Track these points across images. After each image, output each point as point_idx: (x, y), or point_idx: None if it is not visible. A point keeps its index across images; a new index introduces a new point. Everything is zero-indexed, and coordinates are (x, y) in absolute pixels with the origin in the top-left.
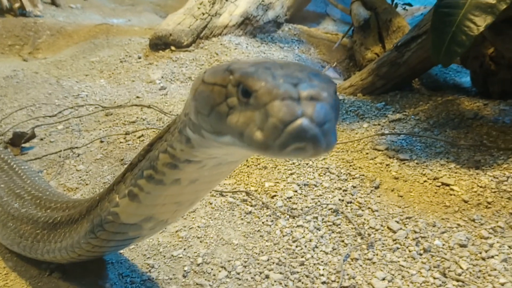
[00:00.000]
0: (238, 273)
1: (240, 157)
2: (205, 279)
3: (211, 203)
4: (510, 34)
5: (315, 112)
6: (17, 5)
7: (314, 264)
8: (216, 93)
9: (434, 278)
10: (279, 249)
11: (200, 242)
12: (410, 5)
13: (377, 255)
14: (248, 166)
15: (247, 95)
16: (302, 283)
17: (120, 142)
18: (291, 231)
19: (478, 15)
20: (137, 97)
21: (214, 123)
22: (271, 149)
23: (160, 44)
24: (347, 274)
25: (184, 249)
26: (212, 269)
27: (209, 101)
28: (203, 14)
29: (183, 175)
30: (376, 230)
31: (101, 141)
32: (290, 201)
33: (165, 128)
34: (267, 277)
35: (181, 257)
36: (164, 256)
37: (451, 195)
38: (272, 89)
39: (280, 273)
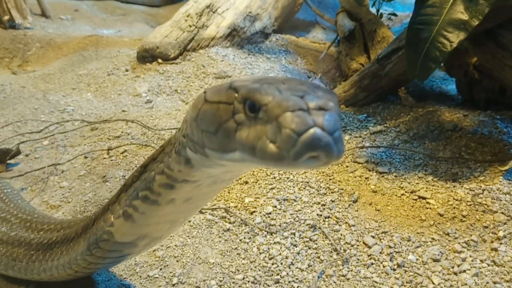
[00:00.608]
0: None
1: (235, 174)
2: None
3: (189, 221)
4: (489, 45)
5: (325, 121)
6: (6, 17)
7: (289, 281)
8: (222, 110)
9: None
10: (255, 267)
11: (177, 261)
12: (395, 14)
13: (351, 271)
14: None
15: (255, 110)
16: None
17: (104, 158)
18: (268, 248)
19: (451, 31)
20: (123, 111)
21: (222, 140)
22: (285, 160)
23: (147, 56)
24: None
25: (160, 269)
26: None
27: (215, 119)
28: (190, 26)
29: (178, 195)
30: (352, 245)
31: (85, 157)
32: (269, 217)
33: (159, 149)
34: None
35: (157, 277)
36: (140, 277)
37: (427, 208)
38: (281, 101)
39: None
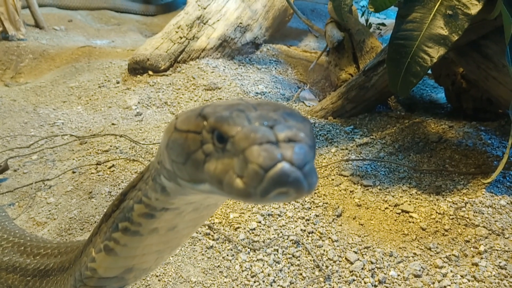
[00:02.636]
0: None
1: (220, 200)
2: None
3: None
4: (473, 56)
5: (294, 154)
6: None
7: None
8: (191, 140)
9: None
10: (237, 286)
11: (158, 280)
12: (383, 25)
13: None
14: None
15: (223, 141)
16: None
17: (91, 173)
18: (251, 266)
19: (431, 46)
20: (113, 124)
21: (191, 171)
22: (253, 196)
23: (138, 68)
24: None
25: None
26: None
27: (184, 149)
28: (181, 38)
29: (160, 224)
30: (334, 261)
31: (73, 172)
32: (252, 233)
33: (138, 176)
34: None
35: None
36: None
37: (410, 222)
38: (249, 133)
39: None
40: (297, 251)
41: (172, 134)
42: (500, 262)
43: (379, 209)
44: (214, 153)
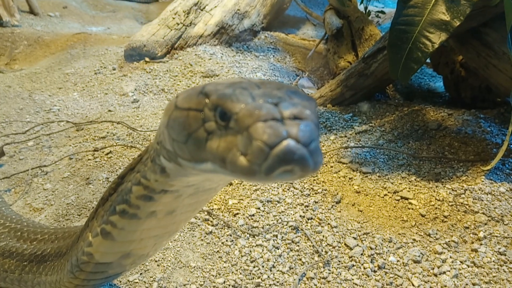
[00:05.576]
0: None
1: (220, 183)
2: None
3: None
4: (473, 44)
5: (300, 131)
6: None
7: (270, 285)
8: (192, 118)
9: None
10: (236, 270)
11: (158, 265)
12: (383, 12)
13: (332, 273)
14: None
15: (226, 119)
16: None
17: (88, 159)
18: (250, 251)
19: (433, 32)
20: (109, 110)
21: (193, 150)
22: (257, 174)
23: (135, 55)
24: None
25: (141, 273)
26: None
27: (185, 127)
28: (178, 24)
29: (158, 207)
30: (333, 247)
31: (70, 158)
32: (252, 219)
33: (136, 158)
34: None
35: (136, 282)
36: (120, 281)
37: (409, 209)
38: (253, 110)
39: None
40: (296, 237)
41: (172, 113)
42: (499, 248)
43: (378, 195)
44: (216, 131)
